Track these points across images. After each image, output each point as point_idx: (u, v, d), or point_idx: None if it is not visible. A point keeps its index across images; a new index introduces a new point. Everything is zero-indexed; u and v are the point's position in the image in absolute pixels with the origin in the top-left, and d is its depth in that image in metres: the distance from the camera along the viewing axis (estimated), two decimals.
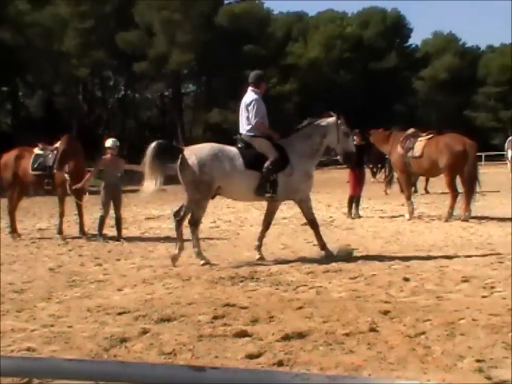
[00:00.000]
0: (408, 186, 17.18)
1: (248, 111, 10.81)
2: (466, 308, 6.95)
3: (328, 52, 71.95)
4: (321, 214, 18.01)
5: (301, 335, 6.01)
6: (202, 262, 10.44)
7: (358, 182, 17.37)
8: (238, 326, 6.40)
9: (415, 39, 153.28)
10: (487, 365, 5.08)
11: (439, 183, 19.98)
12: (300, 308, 7.14)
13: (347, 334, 6.01)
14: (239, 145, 10.92)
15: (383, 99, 68.65)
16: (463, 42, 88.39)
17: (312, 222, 11.08)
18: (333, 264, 9.94)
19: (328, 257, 10.58)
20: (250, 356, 5.50)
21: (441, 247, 11.60)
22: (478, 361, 5.16)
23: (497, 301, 7.31)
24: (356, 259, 10.36)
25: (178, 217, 10.77)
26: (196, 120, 69.76)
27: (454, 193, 15.82)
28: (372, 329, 6.15)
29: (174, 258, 10.51)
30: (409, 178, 17.36)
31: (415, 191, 22.76)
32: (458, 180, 15.88)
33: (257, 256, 10.80)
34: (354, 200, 17.19)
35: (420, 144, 16.08)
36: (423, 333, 6.01)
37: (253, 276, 9.21)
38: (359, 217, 17.00)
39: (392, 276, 8.92)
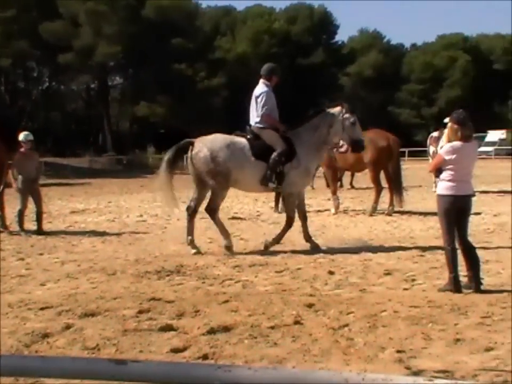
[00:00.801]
0: (334, 181, 17.40)
1: (257, 102, 10.95)
2: (388, 300, 7.10)
3: (256, 46, 72.17)
4: (248, 208, 18.12)
5: (226, 329, 6.03)
6: (193, 251, 10.65)
7: None
8: (164, 320, 6.37)
9: (342, 36, 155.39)
10: (407, 355, 5.21)
11: (364, 178, 20.32)
12: (226, 301, 7.16)
13: (272, 327, 6.07)
14: (248, 137, 11.05)
15: (310, 94, 69.26)
16: (388, 40, 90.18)
17: (290, 220, 11.16)
18: (259, 257, 10.01)
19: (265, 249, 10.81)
20: (175, 350, 5.49)
21: (366, 241, 11.81)
22: (398, 351, 5.29)
23: (417, 293, 7.50)
24: (282, 253, 10.45)
25: (190, 211, 11.00)
26: (123, 113, 68.88)
27: (378, 188, 16.11)
28: (297, 322, 6.23)
29: (226, 248, 10.70)
30: (335, 173, 17.59)
31: (341, 186, 23.10)
32: (382, 175, 16.18)
33: (311, 246, 11.02)
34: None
35: None
36: (346, 325, 6.12)
37: (179, 270, 9.18)
38: None
39: (317, 270, 9.05)
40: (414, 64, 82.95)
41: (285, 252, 10.53)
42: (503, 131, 73.51)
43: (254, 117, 11.03)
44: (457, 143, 7.63)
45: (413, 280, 8.29)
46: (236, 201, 20.12)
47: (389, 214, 15.56)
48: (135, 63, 60.40)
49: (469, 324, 6.14)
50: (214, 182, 10.68)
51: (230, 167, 10.62)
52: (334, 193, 16.86)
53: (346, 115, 11.04)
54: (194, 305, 6.96)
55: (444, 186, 7.71)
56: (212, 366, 1.98)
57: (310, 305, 6.85)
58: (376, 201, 16.09)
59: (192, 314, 6.64)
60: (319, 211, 16.99)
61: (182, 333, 5.98)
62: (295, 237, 12.30)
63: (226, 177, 10.69)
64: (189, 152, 10.88)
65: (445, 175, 7.67)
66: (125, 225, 14.79)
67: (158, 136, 61.66)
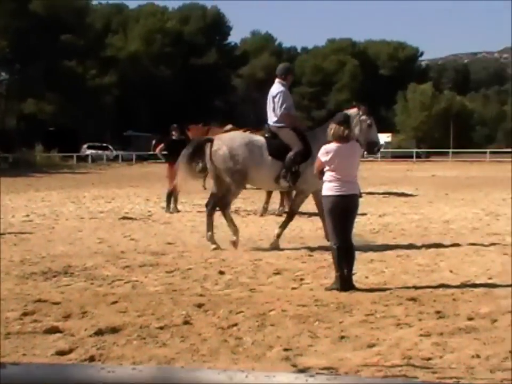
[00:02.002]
0: None
1: (274, 102, 11.09)
2: (277, 299, 7.21)
3: (149, 45, 71.59)
4: (139, 208, 17.93)
5: (114, 330, 5.95)
6: (213, 246, 10.83)
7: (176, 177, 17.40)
8: (49, 322, 6.22)
9: (235, 37, 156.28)
10: (294, 353, 5.32)
11: None
12: (115, 302, 7.06)
13: (161, 328, 6.04)
14: (266, 135, 11.24)
15: (203, 95, 69.31)
16: (280, 42, 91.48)
17: (292, 213, 11.45)
18: (150, 258, 9.94)
19: (274, 248, 10.83)
20: (61, 353, 5.37)
21: (256, 240, 11.93)
22: (285, 350, 5.39)
23: (305, 292, 7.66)
24: (173, 253, 10.40)
25: (209, 207, 11.25)
26: (9, 110, 66.62)
27: None
28: (186, 322, 6.23)
29: (232, 243, 10.91)
30: None
31: None
32: None
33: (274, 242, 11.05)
34: (173, 194, 17.23)
35: None
36: (235, 324, 6.17)
37: (67, 270, 8.99)
38: (178, 211, 17.07)
39: (208, 270, 9.07)
40: (305, 67, 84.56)
41: (176, 252, 10.48)
42: (389, 134, 76.12)
43: (272, 117, 11.19)
44: (331, 145, 7.88)
45: (301, 279, 8.45)
46: (127, 201, 19.89)
47: (279, 215, 15.76)
48: (22, 58, 58.59)
49: (353, 321, 6.32)
50: (231, 179, 10.90)
51: (247, 165, 10.84)
52: None
53: (363, 117, 11.17)
54: (81, 306, 6.83)
55: (326, 187, 7.93)
56: (95, 367, 1.96)
57: (199, 305, 6.86)
58: (267, 201, 16.29)
59: (80, 315, 6.52)
60: None
61: (69, 335, 5.86)
62: (186, 237, 12.29)
63: (244, 175, 10.93)
64: (208, 149, 11.04)
65: (326, 176, 7.90)
66: (10, 225, 14.30)
67: (47, 134, 60.09)
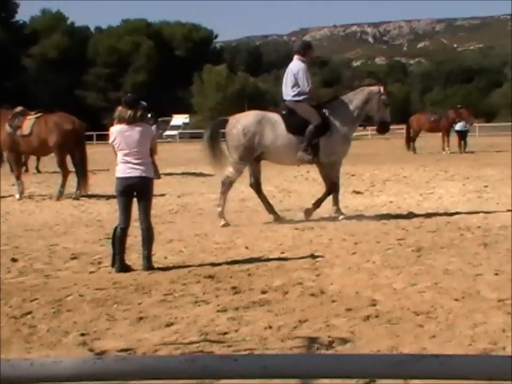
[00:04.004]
0: (18, 166, 16.76)
1: (296, 78, 11.26)
2: (74, 284, 7.07)
3: None
4: None
5: None
6: (222, 222, 11.00)
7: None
8: None
9: (23, 16, 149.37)
10: (91, 338, 5.26)
11: (51, 162, 19.83)
12: None
13: None
14: (283, 112, 11.41)
15: None
16: (72, 22, 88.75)
17: (334, 185, 11.56)
18: None
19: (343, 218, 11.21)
20: None
21: (52, 226, 11.57)
22: (82, 335, 5.31)
23: (103, 276, 7.57)
24: None
25: (254, 187, 11.76)
26: None
27: (65, 172, 15.86)
28: None
29: (224, 220, 11.11)
30: (19, 157, 16.96)
31: (26, 170, 22.35)
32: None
33: (337, 216, 11.34)
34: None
35: (28, 122, 15.75)
36: (30, 312, 5.98)
37: None
38: None
39: (1, 258, 8.66)
40: (99, 47, 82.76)
41: None
42: (187, 115, 76.74)
43: (289, 92, 11.37)
44: (116, 126, 7.86)
45: (99, 263, 8.33)
46: None
47: (77, 198, 15.40)
48: None
49: (152, 302, 6.36)
50: (237, 155, 11.17)
51: (258, 142, 11.11)
52: (19, 177, 16.24)
53: (384, 96, 11.66)
54: None
55: (116, 168, 7.89)
56: None
57: None
58: (63, 185, 15.83)
59: None
60: (3, 197, 16.23)
61: None
62: None
63: (251, 151, 11.18)
64: (225, 128, 11.39)
65: (118, 158, 7.86)
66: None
67: None
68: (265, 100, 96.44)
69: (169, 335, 5.32)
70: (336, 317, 5.69)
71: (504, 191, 14.64)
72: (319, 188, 15.59)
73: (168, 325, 5.60)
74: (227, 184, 11.51)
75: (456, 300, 6.12)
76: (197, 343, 5.05)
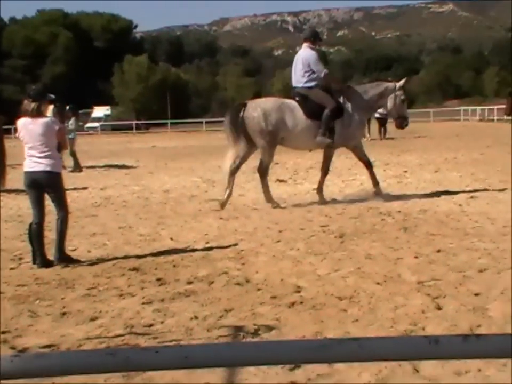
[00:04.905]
0: None
1: (309, 65, 11.56)
2: None
3: None
4: None
5: None
6: (273, 205, 11.36)
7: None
8: None
9: None
10: (12, 335, 5.14)
11: None
12: None
13: None
14: (297, 99, 11.64)
15: None
16: None
17: (367, 163, 12.10)
18: None
19: (378, 195, 11.76)
20: None
21: None
22: (3, 332, 5.18)
23: (25, 272, 7.41)
24: None
25: (232, 167, 11.55)
26: None
27: None
28: None
29: (223, 204, 11.39)
30: None
31: None
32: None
33: (320, 200, 11.74)
34: None
35: None
36: None
37: None
38: None
39: None
40: (15, 38, 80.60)
41: None
42: (108, 107, 75.67)
43: (300, 79, 11.69)
44: (21, 120, 7.70)
45: (20, 259, 8.14)
46: None
47: None
48: None
49: (75, 296, 6.26)
50: (264, 141, 11.43)
51: (281, 127, 11.37)
52: None
53: (399, 92, 12.05)
54: None
55: (24, 163, 7.74)
56: None
57: None
58: None
59: None
60: None
61: None
62: None
63: (275, 136, 11.44)
64: (241, 113, 11.42)
65: (24, 151, 7.71)
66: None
67: None
68: (188, 90, 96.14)
69: (94, 329, 5.25)
70: (262, 305, 5.74)
71: (422, 176, 15.06)
72: (243, 177, 15.69)
73: (92, 319, 5.52)
74: (264, 170, 11.75)
75: (378, 283, 6.26)
76: (122, 336, 5.00)
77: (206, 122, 66.22)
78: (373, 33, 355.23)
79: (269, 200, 11.60)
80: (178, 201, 12.90)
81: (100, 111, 72.98)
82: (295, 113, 11.56)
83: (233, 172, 11.73)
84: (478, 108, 61.03)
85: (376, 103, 12.26)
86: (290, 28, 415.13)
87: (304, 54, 11.83)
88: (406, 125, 12.68)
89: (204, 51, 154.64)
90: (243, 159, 11.88)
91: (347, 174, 16.39)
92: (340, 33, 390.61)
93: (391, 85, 12.17)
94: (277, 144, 11.78)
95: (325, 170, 12.25)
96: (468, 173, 15.24)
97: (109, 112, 75.01)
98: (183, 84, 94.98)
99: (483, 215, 9.75)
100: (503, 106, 33.02)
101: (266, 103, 11.76)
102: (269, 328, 5.07)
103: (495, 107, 52.53)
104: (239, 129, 11.54)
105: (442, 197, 11.71)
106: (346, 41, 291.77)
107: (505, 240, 7.94)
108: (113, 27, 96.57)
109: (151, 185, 15.96)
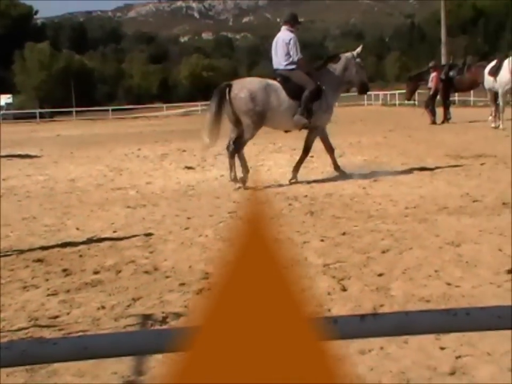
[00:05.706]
0: None
1: (288, 48, 11.77)
2: None
3: None
4: None
5: None
6: (237, 185, 11.38)
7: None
8: None
9: None
10: None
11: None
12: None
13: None
14: (278, 80, 11.85)
15: None
16: None
17: (308, 149, 12.41)
18: None
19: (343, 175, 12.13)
20: None
21: None
22: None
23: None
24: None
25: (230, 149, 11.61)
26: None
27: None
28: None
29: (241, 180, 11.40)
30: None
31: None
32: None
33: (340, 173, 12.27)
34: None
35: None
36: None
37: None
38: None
39: None
40: None
41: None
42: (9, 95, 73.44)
43: (281, 61, 11.87)
44: None
45: None
46: None
47: None
48: None
49: None
50: (250, 121, 11.44)
51: (266, 107, 11.44)
52: None
53: (358, 59, 12.33)
54: None
55: None
56: None
57: None
58: None
59: None
60: None
61: None
62: None
63: (262, 116, 11.50)
64: (227, 93, 11.44)
65: None
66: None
67: None
68: (93, 77, 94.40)
69: None
70: (170, 292, 5.72)
71: (328, 160, 15.30)
72: (151, 165, 15.56)
73: None
74: (239, 147, 11.62)
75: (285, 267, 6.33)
76: (26, 329, 4.89)
77: (112, 110, 65.21)
78: (278, 20, 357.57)
79: (246, 172, 11.59)
80: (85, 190, 12.67)
81: (1, 100, 70.74)
82: (279, 94, 11.75)
83: (232, 154, 11.70)
84: (381, 93, 62.42)
85: (344, 78, 12.52)
86: (196, 14, 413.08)
87: (284, 35, 12.08)
88: (367, 90, 13.53)
89: (108, 38, 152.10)
90: (238, 139, 11.82)
91: (255, 160, 16.47)
92: (245, 19, 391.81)
93: (348, 54, 12.48)
94: (262, 125, 11.88)
95: (329, 148, 12.56)
96: (372, 157, 15.59)
97: (10, 100, 72.84)
98: (87, 71, 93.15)
99: (386, 197, 10.01)
100: (404, 91, 33.90)
101: (251, 83, 11.83)
102: (177, 316, 5.07)
103: (397, 92, 53.88)
104: (226, 110, 11.57)
105: (348, 180, 11.95)
106: (252, 27, 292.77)
107: (406, 221, 8.20)
108: (12, 13, 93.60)
109: (56, 175, 15.59)
